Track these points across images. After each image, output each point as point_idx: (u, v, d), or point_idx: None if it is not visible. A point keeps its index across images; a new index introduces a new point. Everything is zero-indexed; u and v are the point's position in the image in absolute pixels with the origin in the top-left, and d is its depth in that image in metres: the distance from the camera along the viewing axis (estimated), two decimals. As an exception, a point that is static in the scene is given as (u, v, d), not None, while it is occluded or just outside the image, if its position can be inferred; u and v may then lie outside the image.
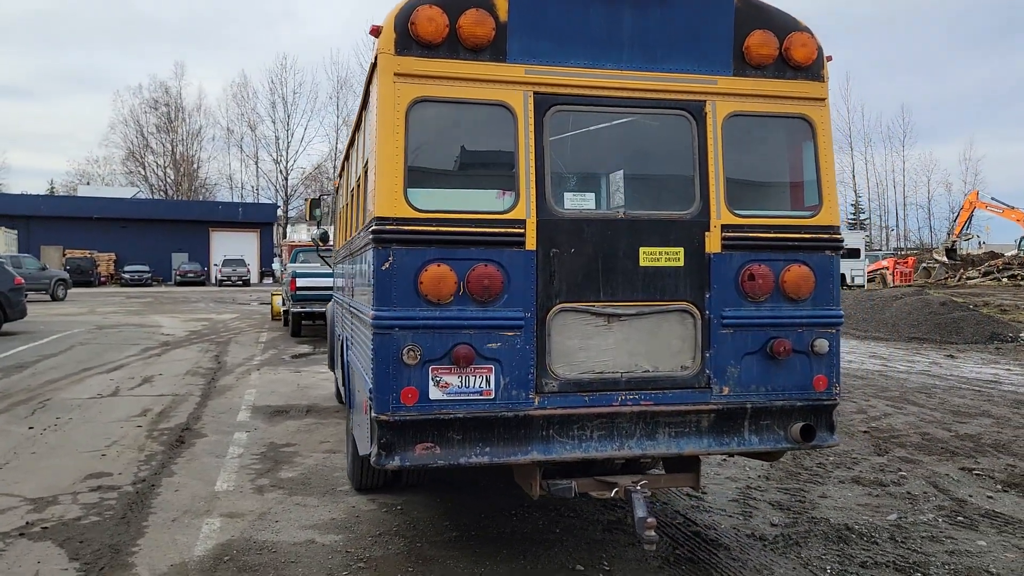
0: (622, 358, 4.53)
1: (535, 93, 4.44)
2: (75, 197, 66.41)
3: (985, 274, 42.44)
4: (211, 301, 35.19)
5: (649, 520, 4.25)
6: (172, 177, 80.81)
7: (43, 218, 57.08)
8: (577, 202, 4.60)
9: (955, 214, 54.24)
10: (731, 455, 6.83)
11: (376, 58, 4.33)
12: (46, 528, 5.66)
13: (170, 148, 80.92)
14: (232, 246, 58.89)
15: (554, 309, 4.44)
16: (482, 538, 5.55)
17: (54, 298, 33.83)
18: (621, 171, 4.98)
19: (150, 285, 53.23)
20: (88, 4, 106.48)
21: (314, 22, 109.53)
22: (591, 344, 4.50)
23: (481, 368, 4.31)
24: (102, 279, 54.28)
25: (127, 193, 69.37)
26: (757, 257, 4.67)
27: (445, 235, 4.26)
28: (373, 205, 4.31)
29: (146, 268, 54.66)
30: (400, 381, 4.21)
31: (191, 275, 55.46)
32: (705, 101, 4.66)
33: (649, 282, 4.54)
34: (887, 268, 44.15)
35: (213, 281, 56.42)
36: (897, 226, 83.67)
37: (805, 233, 4.75)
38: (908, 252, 60.67)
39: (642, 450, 4.50)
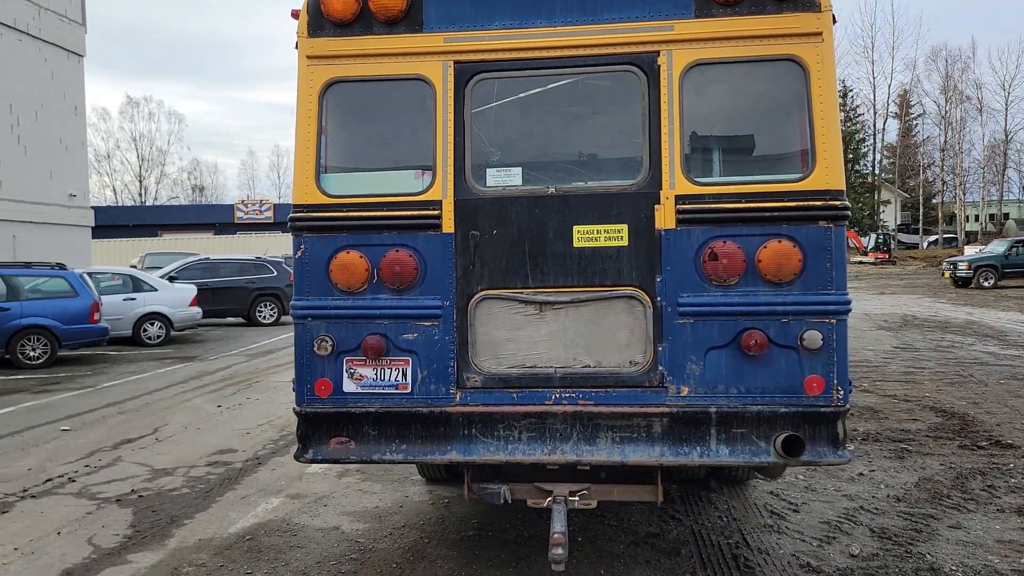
0: (557, 351, 3.96)
1: (456, 63, 4.02)
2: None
3: None
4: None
5: (555, 536, 3.67)
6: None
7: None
8: (501, 178, 4.07)
9: None
10: (693, 468, 5.10)
11: (296, 43, 4.23)
12: (141, 497, 6.37)
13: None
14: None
15: (476, 297, 4.00)
16: (496, 540, 5.21)
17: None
18: (554, 141, 4.33)
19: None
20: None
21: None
22: (521, 335, 3.99)
23: (397, 360, 4.03)
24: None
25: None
26: (723, 233, 3.81)
27: (356, 220, 4.03)
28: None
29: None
30: (314, 372, 4.08)
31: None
32: (658, 52, 3.89)
33: (586, 265, 3.92)
34: None
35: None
36: None
37: (788, 201, 3.77)
38: None
39: (577, 456, 3.89)
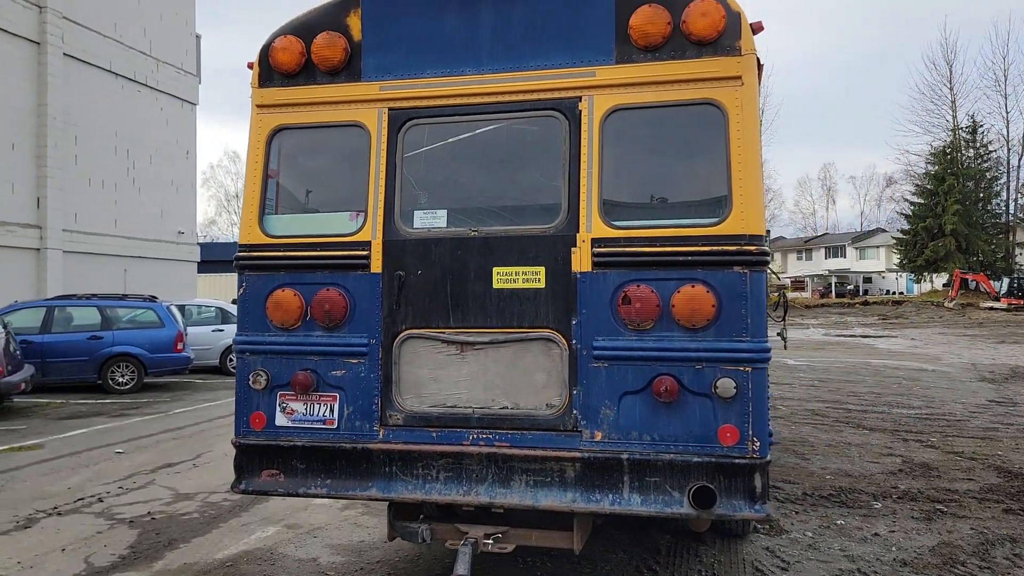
0: (476, 392, 3.96)
1: (390, 109, 4.18)
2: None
3: None
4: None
5: (453, 580, 3.63)
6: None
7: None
8: (427, 220, 4.14)
9: None
10: (604, 516, 4.59)
11: (251, 94, 4.47)
12: (154, 519, 6.69)
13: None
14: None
15: (401, 335, 4.07)
16: (458, 581, 5.19)
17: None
18: (480, 184, 4.36)
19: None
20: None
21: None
22: (443, 375, 4.01)
23: (326, 396, 4.13)
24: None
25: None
26: (638, 276, 3.75)
27: (293, 260, 4.21)
28: None
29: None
30: (250, 405, 4.23)
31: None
32: (580, 98, 3.93)
33: (505, 306, 3.93)
34: None
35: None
36: None
37: (703, 245, 3.68)
38: None
39: (490, 498, 3.85)
